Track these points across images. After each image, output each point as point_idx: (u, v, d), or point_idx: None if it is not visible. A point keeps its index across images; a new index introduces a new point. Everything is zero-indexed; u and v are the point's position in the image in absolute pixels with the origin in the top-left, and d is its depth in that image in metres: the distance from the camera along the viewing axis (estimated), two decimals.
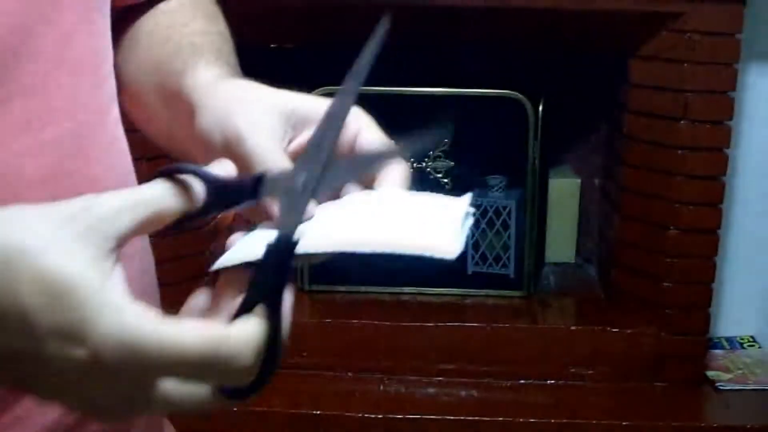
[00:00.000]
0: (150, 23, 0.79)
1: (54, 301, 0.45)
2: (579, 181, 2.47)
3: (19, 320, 0.45)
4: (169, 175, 0.52)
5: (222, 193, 0.54)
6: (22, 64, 0.61)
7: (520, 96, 2.12)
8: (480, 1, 2.01)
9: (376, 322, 2.18)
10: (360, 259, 0.54)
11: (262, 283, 0.51)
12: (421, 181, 2.31)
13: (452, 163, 2.23)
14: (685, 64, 1.99)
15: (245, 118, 0.60)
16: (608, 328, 2.16)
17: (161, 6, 0.80)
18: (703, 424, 2.04)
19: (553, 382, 2.17)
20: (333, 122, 0.57)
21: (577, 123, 2.50)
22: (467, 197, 0.53)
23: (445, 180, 2.26)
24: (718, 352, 2.29)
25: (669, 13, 1.97)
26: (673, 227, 2.08)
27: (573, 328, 2.19)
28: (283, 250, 0.52)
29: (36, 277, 0.45)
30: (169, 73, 0.71)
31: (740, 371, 2.21)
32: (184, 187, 0.52)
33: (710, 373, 2.18)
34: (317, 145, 0.56)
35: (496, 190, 2.31)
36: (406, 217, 0.54)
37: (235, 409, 2.03)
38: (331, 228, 0.55)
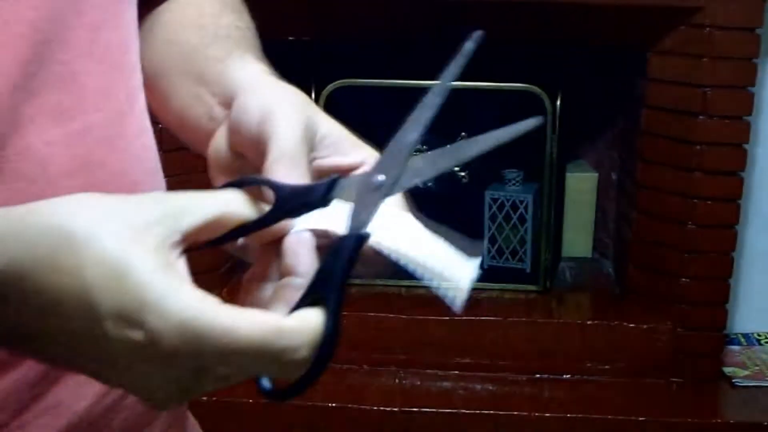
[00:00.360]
0: (174, 12, 0.79)
1: (117, 283, 0.46)
2: (596, 175, 2.46)
3: (82, 300, 0.46)
4: (240, 185, 0.54)
5: (289, 200, 0.54)
6: (53, 54, 0.62)
7: (538, 90, 2.11)
8: None
9: (391, 316, 2.19)
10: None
11: (327, 278, 0.51)
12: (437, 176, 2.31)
13: None
14: (704, 59, 1.98)
15: (285, 117, 0.60)
16: (624, 324, 2.16)
17: None
18: (719, 421, 2.04)
19: (569, 376, 2.17)
20: (413, 127, 0.56)
21: (594, 118, 2.50)
22: (477, 262, 0.54)
23: (462, 173, 2.27)
24: (734, 348, 2.28)
25: (688, 7, 1.96)
26: (691, 223, 2.08)
27: (589, 323, 2.18)
28: (354, 246, 0.52)
29: (101, 260, 0.47)
30: (207, 57, 0.71)
31: (757, 367, 2.20)
32: (252, 196, 0.54)
33: (727, 370, 2.18)
34: (396, 151, 0.56)
35: (513, 184, 2.31)
36: (438, 250, 0.55)
37: (249, 401, 2.04)
38: (395, 233, 0.56)
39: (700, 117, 2.01)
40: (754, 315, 2.36)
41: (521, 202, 2.29)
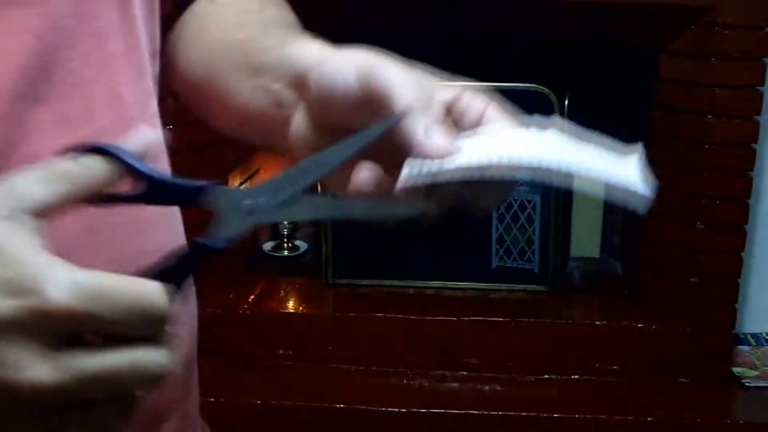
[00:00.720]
0: (212, 15, 0.78)
1: None
2: None
3: None
4: (98, 152, 0.52)
5: (157, 191, 0.53)
6: (60, 62, 0.61)
7: (546, 90, 2.11)
8: None
9: (399, 316, 2.18)
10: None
11: (175, 271, 0.51)
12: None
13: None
14: (714, 59, 1.97)
15: (390, 66, 0.58)
16: (633, 324, 2.15)
17: None
18: (729, 421, 2.03)
19: (577, 377, 2.16)
20: (324, 160, 0.55)
21: (603, 117, 2.48)
22: (639, 147, 0.52)
23: None
24: (744, 348, 2.27)
25: (699, 6, 1.95)
26: (700, 223, 2.07)
27: (597, 323, 2.17)
28: (198, 255, 0.53)
29: None
30: (260, 48, 0.70)
31: (767, 368, 2.19)
32: (113, 167, 0.52)
33: (736, 370, 2.17)
34: (291, 176, 0.55)
35: (521, 184, 2.30)
36: (583, 149, 0.53)
37: (258, 402, 2.04)
38: (504, 145, 0.54)
39: (709, 117, 2.00)
40: (764, 315, 2.35)
41: (529, 202, 2.28)
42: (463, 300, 2.27)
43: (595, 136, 0.53)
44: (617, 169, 0.50)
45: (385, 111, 0.56)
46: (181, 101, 0.79)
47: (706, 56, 1.98)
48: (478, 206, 0.58)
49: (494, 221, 2.32)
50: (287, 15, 0.75)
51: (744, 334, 2.33)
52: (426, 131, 0.54)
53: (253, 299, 2.25)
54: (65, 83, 0.62)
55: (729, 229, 2.07)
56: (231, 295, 2.24)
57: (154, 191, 0.53)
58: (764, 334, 2.34)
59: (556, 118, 0.55)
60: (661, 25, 2.03)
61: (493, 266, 2.35)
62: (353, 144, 0.53)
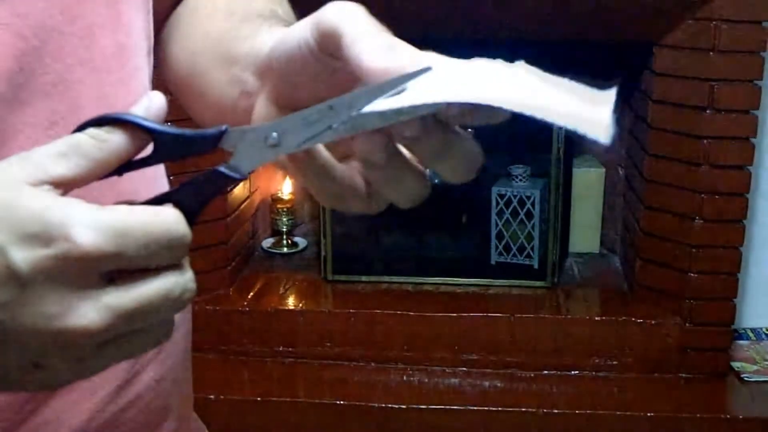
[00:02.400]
0: (205, 7, 0.77)
1: (8, 211, 0.46)
2: (603, 170, 2.46)
3: None
4: (115, 122, 0.51)
5: (170, 147, 0.53)
6: (45, 63, 0.60)
7: None
8: None
9: (399, 312, 2.18)
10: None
11: (190, 198, 0.52)
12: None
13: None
14: (711, 53, 1.97)
15: (341, 7, 0.53)
16: (632, 319, 2.15)
17: None
18: (728, 416, 2.03)
19: (576, 373, 2.17)
20: (352, 102, 0.53)
21: None
22: (614, 90, 0.49)
23: None
24: (743, 342, 2.28)
25: (695, 0, 1.95)
26: (698, 217, 2.07)
27: (597, 318, 2.18)
28: (221, 184, 0.53)
29: None
30: (236, 38, 0.67)
31: (766, 362, 2.19)
32: (127, 135, 0.51)
33: (735, 364, 2.17)
34: (308, 115, 0.53)
35: (520, 180, 2.30)
36: (548, 87, 0.51)
37: (258, 399, 2.04)
38: (460, 80, 0.50)
39: (708, 111, 2.00)
40: (763, 310, 2.35)
41: (528, 197, 2.28)
42: (462, 296, 2.27)
43: (565, 80, 0.51)
44: (585, 110, 0.49)
45: (344, 54, 0.51)
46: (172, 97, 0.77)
47: (704, 50, 1.98)
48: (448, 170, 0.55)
49: (493, 217, 2.32)
50: (277, 8, 0.73)
51: (743, 328, 2.33)
52: (372, 53, 0.50)
53: (252, 296, 2.25)
54: (50, 85, 0.61)
55: (728, 223, 2.07)
56: (230, 292, 2.24)
57: (172, 147, 0.53)
58: (764, 329, 2.34)
59: (521, 62, 0.52)
60: (657, 20, 2.03)
61: (493, 262, 2.35)
62: (382, 89, 0.51)
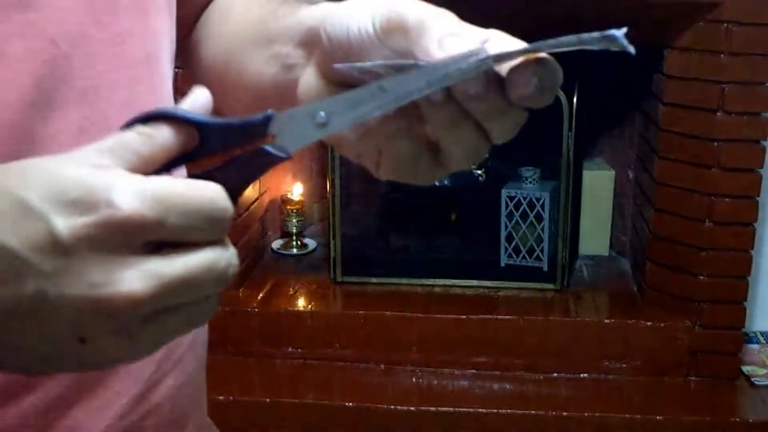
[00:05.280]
0: (237, 3, 0.77)
1: (54, 174, 0.46)
2: (613, 173, 2.45)
3: (17, 208, 0.45)
4: (162, 117, 0.51)
5: (217, 138, 0.53)
6: (76, 69, 0.60)
7: None
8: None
9: (408, 314, 2.18)
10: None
11: (237, 175, 0.52)
12: (454, 173, 2.30)
13: (486, 155, 2.22)
14: (722, 55, 1.97)
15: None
16: (642, 322, 2.15)
17: None
18: (738, 420, 2.02)
19: (586, 375, 2.16)
20: (400, 85, 0.51)
21: (611, 115, 2.49)
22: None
23: (479, 172, 2.26)
24: (753, 346, 2.27)
25: (706, 3, 1.95)
26: (709, 220, 2.07)
27: (606, 321, 2.17)
28: (268, 161, 0.52)
29: (30, 166, 0.47)
30: (275, 18, 0.67)
31: None
32: (175, 131, 0.51)
33: (746, 368, 2.16)
34: (357, 95, 0.53)
35: (530, 182, 2.30)
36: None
37: (267, 400, 2.04)
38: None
39: (718, 113, 2.00)
40: None
41: (538, 200, 2.28)
42: (471, 298, 2.27)
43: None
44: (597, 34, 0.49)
45: (407, 49, 0.52)
46: None
47: (714, 53, 1.98)
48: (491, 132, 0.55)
49: (503, 219, 2.32)
50: None
51: (754, 332, 2.32)
52: (440, 43, 0.51)
53: (262, 297, 2.25)
54: (81, 91, 0.61)
55: (738, 226, 2.07)
56: (240, 293, 2.24)
57: (220, 139, 0.52)
58: None
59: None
60: (667, 22, 2.03)
61: (502, 264, 2.35)
62: (438, 69, 0.51)
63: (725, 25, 1.95)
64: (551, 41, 0.50)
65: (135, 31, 0.66)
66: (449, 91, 0.51)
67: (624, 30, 0.50)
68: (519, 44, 0.50)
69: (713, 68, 1.99)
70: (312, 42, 0.60)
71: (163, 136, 0.50)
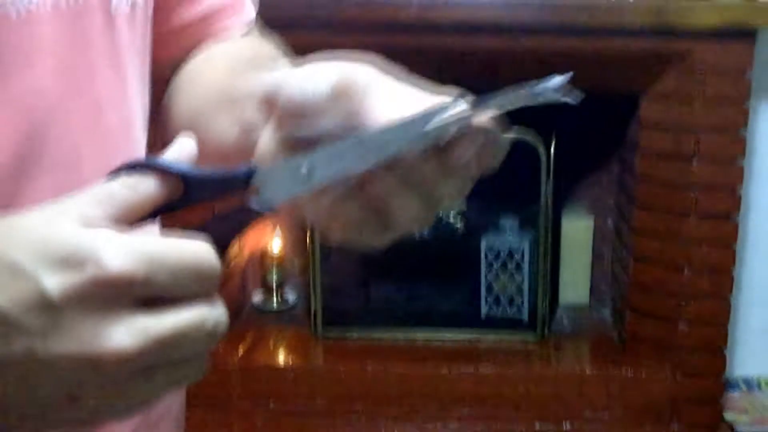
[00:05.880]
0: (204, 66, 0.78)
1: (44, 234, 0.46)
2: (592, 222, 2.46)
3: (7, 270, 0.45)
4: (146, 168, 0.51)
5: (200, 189, 0.53)
6: (53, 137, 0.61)
7: (531, 137, 2.12)
8: (490, 42, 2.02)
9: (389, 367, 2.17)
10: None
11: (224, 232, 0.52)
12: (433, 223, 2.31)
13: (464, 205, 2.23)
14: (696, 103, 1.99)
15: (367, 69, 0.55)
16: (623, 371, 2.14)
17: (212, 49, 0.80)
18: None
19: (568, 426, 2.15)
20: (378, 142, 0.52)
21: (589, 163, 2.50)
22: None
23: (458, 223, 2.26)
24: (735, 393, 2.27)
25: (678, 52, 1.98)
26: (687, 268, 2.07)
27: (588, 371, 2.17)
28: (252, 217, 0.53)
29: (21, 226, 0.47)
30: (236, 85, 0.69)
31: (759, 413, 2.18)
32: (159, 181, 0.51)
33: (728, 416, 2.16)
34: (340, 148, 0.53)
35: (509, 232, 2.30)
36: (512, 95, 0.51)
37: None
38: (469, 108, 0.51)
39: (694, 161, 2.01)
40: (755, 359, 2.34)
41: (517, 250, 2.28)
42: (452, 350, 2.26)
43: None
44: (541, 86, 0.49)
45: (355, 110, 0.53)
46: None
47: (689, 101, 2.00)
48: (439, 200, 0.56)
49: (483, 269, 2.32)
50: (282, 59, 0.74)
51: (735, 378, 2.32)
52: (383, 106, 0.52)
53: (242, 352, 2.24)
54: (57, 158, 0.62)
55: (716, 273, 2.08)
56: (220, 348, 2.23)
57: (204, 189, 0.53)
58: (756, 378, 2.34)
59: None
60: (642, 71, 2.05)
61: (482, 315, 2.34)
62: (419, 122, 0.51)
63: (698, 73, 1.97)
64: (497, 99, 0.50)
65: (112, 98, 0.67)
66: (393, 159, 0.52)
67: (562, 79, 0.50)
68: (458, 110, 0.51)
69: (688, 116, 2.01)
70: (270, 104, 0.60)
71: (147, 186, 0.50)
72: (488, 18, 1.99)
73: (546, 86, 0.50)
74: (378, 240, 0.57)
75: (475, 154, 0.51)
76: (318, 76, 0.55)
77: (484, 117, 0.51)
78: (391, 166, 0.52)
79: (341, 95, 0.54)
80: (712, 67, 1.96)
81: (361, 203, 0.55)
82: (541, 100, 0.50)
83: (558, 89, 0.50)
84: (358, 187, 0.55)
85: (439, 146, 0.51)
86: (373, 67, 0.55)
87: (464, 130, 0.51)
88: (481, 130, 0.51)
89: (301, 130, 0.57)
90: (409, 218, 0.55)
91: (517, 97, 0.50)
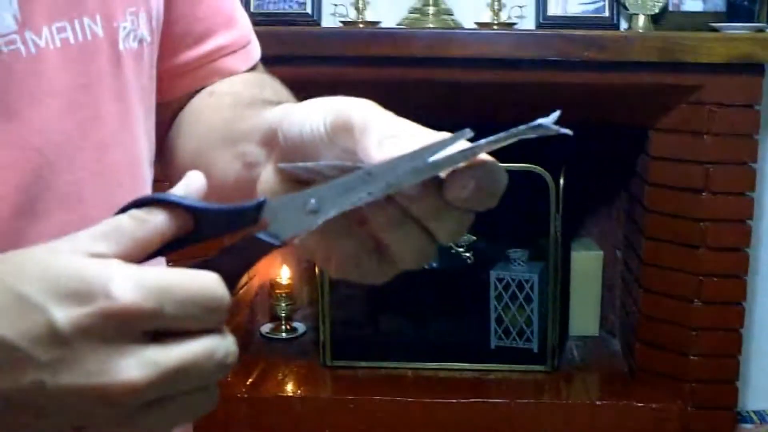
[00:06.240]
0: (208, 102, 0.79)
1: (50, 267, 0.46)
2: (601, 253, 2.46)
3: (16, 305, 0.46)
4: (156, 203, 0.51)
5: (211, 225, 0.53)
6: (59, 176, 0.61)
7: (540, 169, 2.12)
8: (499, 76, 2.03)
9: (398, 398, 2.16)
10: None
11: (232, 263, 0.52)
12: (442, 255, 2.31)
13: (473, 237, 2.23)
14: (705, 136, 1.99)
15: (362, 103, 0.55)
16: (633, 403, 2.13)
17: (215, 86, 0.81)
18: None
19: None
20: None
21: (598, 196, 2.50)
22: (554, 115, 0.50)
23: (467, 254, 2.26)
24: (747, 426, 2.25)
25: (688, 86, 1.98)
26: (697, 300, 2.07)
27: (598, 403, 2.16)
28: (262, 251, 0.53)
29: (28, 259, 0.47)
30: (238, 123, 0.69)
31: None
32: (169, 215, 0.51)
33: None
34: (347, 182, 0.54)
35: (519, 264, 2.30)
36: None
37: None
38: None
39: (704, 194, 2.01)
40: (767, 392, 2.33)
41: (527, 281, 2.28)
42: (461, 382, 2.26)
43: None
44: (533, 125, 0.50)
45: (352, 147, 0.53)
46: None
47: (698, 134, 2.00)
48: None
49: (492, 301, 2.31)
50: (284, 97, 0.75)
51: (747, 411, 2.31)
52: (379, 144, 0.52)
53: (251, 382, 2.23)
54: (63, 196, 0.62)
55: (727, 305, 2.07)
56: (229, 378, 2.22)
57: (214, 224, 0.53)
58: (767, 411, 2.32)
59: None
60: (651, 105, 2.06)
61: (492, 346, 2.34)
62: (421, 154, 0.51)
63: (707, 106, 1.98)
64: (491, 138, 0.50)
65: (117, 137, 0.67)
66: (390, 195, 0.52)
67: (556, 114, 0.51)
68: (460, 144, 0.51)
69: (697, 149, 2.01)
70: (271, 140, 0.61)
71: (157, 220, 0.50)
72: (498, 52, 2.00)
73: (538, 123, 0.50)
74: (378, 276, 0.57)
75: (475, 188, 0.51)
76: (314, 114, 0.55)
77: (484, 152, 0.51)
78: (390, 201, 0.53)
79: (338, 132, 0.54)
80: (721, 100, 1.97)
81: (359, 240, 0.55)
82: (532, 135, 0.51)
83: (549, 126, 0.50)
84: (356, 223, 0.55)
85: (438, 180, 0.52)
86: (370, 104, 0.55)
87: (462, 164, 0.51)
88: (480, 165, 0.51)
89: (301, 167, 0.57)
90: (408, 253, 0.55)
91: (512, 133, 0.51)
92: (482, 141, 0.50)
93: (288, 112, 0.59)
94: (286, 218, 0.53)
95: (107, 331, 0.45)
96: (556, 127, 0.50)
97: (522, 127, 0.50)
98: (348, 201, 0.52)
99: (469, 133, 0.51)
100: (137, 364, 0.46)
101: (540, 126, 0.50)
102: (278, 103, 0.69)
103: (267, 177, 0.61)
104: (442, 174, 0.51)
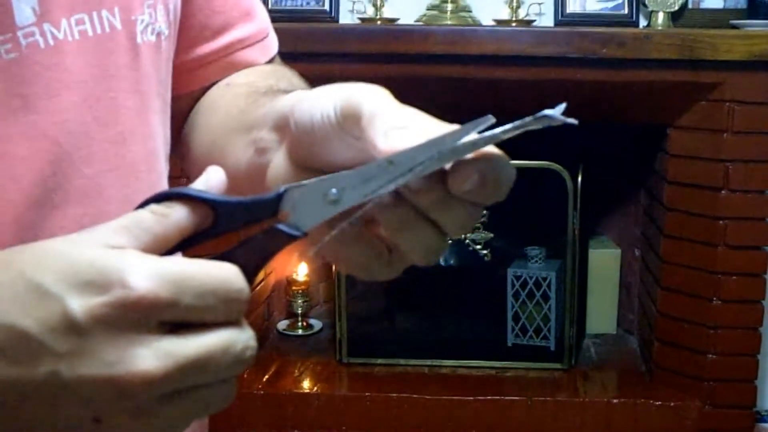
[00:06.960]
0: (224, 92, 0.79)
1: (68, 257, 0.46)
2: (619, 251, 2.45)
3: (32, 293, 0.45)
4: (175, 197, 0.51)
5: (230, 218, 0.53)
6: (77, 168, 0.61)
7: (558, 167, 2.12)
8: (517, 73, 2.02)
9: (415, 396, 2.16)
10: None
11: (249, 256, 0.51)
12: (459, 253, 2.31)
13: (491, 234, 2.22)
14: (725, 134, 1.98)
15: (370, 89, 0.55)
16: (650, 401, 2.13)
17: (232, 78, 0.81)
18: None
19: None
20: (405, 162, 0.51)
21: (616, 193, 2.49)
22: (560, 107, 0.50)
23: (484, 251, 2.26)
24: (765, 426, 2.24)
25: (707, 83, 1.97)
26: (716, 298, 2.06)
27: (615, 401, 2.15)
28: (283, 242, 0.52)
29: (46, 250, 0.47)
30: (253, 110, 0.69)
31: None
32: (188, 209, 0.51)
33: None
34: (368, 171, 0.53)
35: (536, 262, 2.30)
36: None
37: None
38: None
39: (723, 191, 2.00)
40: None
41: (544, 279, 2.28)
42: (478, 379, 2.25)
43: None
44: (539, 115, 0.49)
45: (360, 134, 0.53)
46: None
47: (718, 131, 1.99)
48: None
49: (509, 299, 2.31)
50: (300, 88, 0.74)
51: (765, 411, 2.30)
52: (386, 134, 0.51)
53: (267, 379, 2.24)
54: (81, 188, 0.62)
55: (746, 304, 2.06)
56: (245, 375, 2.23)
57: (234, 217, 0.52)
58: None
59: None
60: (670, 102, 2.05)
61: (509, 344, 2.33)
62: (441, 143, 0.51)
63: (727, 104, 1.97)
64: (497, 130, 0.49)
65: (135, 130, 0.67)
66: (398, 191, 0.52)
67: (562, 106, 0.50)
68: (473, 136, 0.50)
69: (716, 147, 2.00)
70: (283, 127, 0.60)
71: (177, 215, 0.50)
72: (516, 49, 1.99)
73: (544, 113, 0.50)
74: (388, 272, 0.56)
75: (479, 181, 0.50)
76: (326, 101, 0.55)
77: (490, 145, 0.51)
78: (400, 202, 0.52)
79: (347, 121, 0.53)
80: (741, 97, 1.96)
81: (366, 242, 0.55)
82: (539, 126, 0.50)
83: (555, 116, 0.50)
84: (364, 222, 0.54)
85: (444, 172, 0.51)
86: (383, 92, 0.54)
87: (469, 156, 0.51)
88: (485, 158, 0.51)
89: (314, 153, 0.56)
90: (419, 250, 0.54)
91: (518, 125, 0.50)
92: (496, 130, 0.50)
93: (300, 99, 0.58)
94: (306, 208, 0.53)
95: (124, 321, 0.45)
96: (561, 118, 0.49)
97: (528, 119, 0.49)
98: (369, 189, 0.52)
99: (491, 119, 0.50)
100: (153, 355, 0.45)
101: (546, 116, 0.50)
102: (292, 92, 0.68)
103: (278, 164, 0.60)
104: (447, 166, 0.51)
